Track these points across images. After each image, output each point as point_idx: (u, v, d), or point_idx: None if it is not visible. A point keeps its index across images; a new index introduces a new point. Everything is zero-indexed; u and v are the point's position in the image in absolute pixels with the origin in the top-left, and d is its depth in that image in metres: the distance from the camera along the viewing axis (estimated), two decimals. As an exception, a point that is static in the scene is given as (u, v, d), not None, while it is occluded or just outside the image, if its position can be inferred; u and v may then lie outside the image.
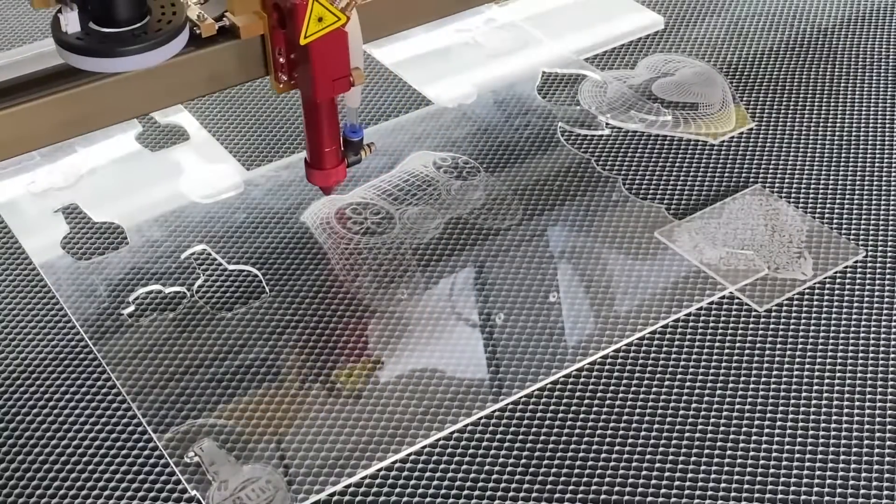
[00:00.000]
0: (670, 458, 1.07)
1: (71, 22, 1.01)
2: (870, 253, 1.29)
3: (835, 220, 1.34)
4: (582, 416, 1.11)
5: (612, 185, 1.41)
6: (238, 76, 1.16)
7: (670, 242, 1.31)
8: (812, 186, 1.40)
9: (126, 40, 1.02)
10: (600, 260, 1.29)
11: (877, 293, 1.24)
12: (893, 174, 1.42)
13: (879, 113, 1.53)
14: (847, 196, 1.38)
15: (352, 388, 1.13)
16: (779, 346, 1.18)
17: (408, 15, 1.27)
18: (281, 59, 1.13)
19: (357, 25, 1.12)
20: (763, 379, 1.15)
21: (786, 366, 1.16)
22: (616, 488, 1.04)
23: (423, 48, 1.66)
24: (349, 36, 1.10)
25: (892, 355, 1.17)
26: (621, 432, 1.10)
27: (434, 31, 1.67)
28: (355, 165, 1.23)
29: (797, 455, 1.07)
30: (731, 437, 1.09)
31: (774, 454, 1.07)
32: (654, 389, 1.14)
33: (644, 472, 1.06)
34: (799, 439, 1.08)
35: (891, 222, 1.34)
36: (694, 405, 1.12)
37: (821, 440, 1.08)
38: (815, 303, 1.23)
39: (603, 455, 1.07)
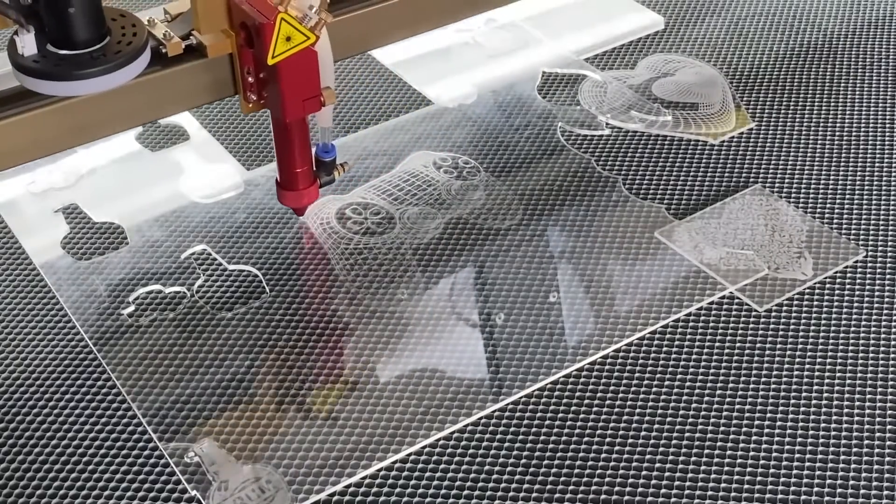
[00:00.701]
0: (670, 458, 1.07)
1: (27, 44, 0.99)
2: (870, 253, 1.29)
3: (835, 220, 1.34)
4: (582, 416, 1.11)
5: (612, 185, 1.41)
6: (206, 96, 1.14)
7: (670, 242, 1.31)
8: (812, 186, 1.40)
9: (84, 63, 0.99)
10: (600, 260, 1.29)
11: (877, 293, 1.24)
12: (893, 174, 1.42)
13: (879, 113, 1.53)
14: (847, 196, 1.38)
15: (328, 409, 1.12)
16: (779, 346, 1.18)
17: (386, 30, 1.25)
18: (250, 79, 1.11)
19: (327, 44, 1.10)
20: (763, 379, 1.15)
21: (786, 366, 1.16)
22: (616, 488, 1.04)
23: (423, 48, 1.66)
24: (319, 54, 1.09)
25: (892, 355, 1.17)
26: (621, 432, 1.10)
27: (434, 31, 1.67)
28: (329, 184, 1.22)
29: (797, 455, 1.07)
30: (731, 437, 1.09)
31: (774, 454, 1.07)
32: (654, 389, 1.14)
33: (644, 472, 1.06)
34: (799, 439, 1.08)
35: (891, 222, 1.34)
36: (694, 405, 1.12)
37: (821, 440, 1.08)
38: (815, 303, 1.23)
39: (603, 455, 1.07)
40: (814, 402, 1.12)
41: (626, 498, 1.03)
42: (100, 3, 1.01)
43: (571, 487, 1.04)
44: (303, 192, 1.20)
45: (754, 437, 1.09)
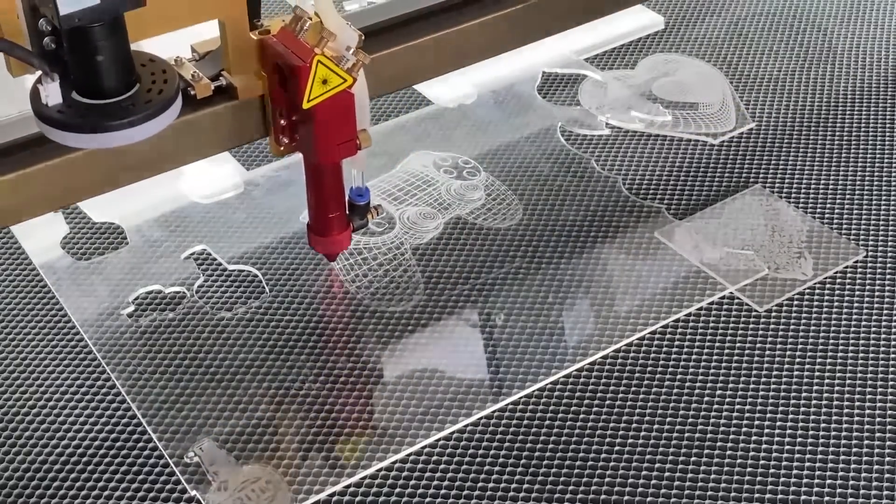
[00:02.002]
0: (670, 458, 1.07)
1: (52, 93, 0.91)
2: (870, 253, 1.29)
3: (835, 220, 1.34)
4: (582, 416, 1.11)
5: (612, 185, 1.40)
6: (235, 139, 1.09)
7: (670, 242, 1.31)
8: (812, 186, 1.40)
9: (112, 113, 0.92)
10: (600, 260, 1.29)
11: (877, 293, 1.24)
12: (893, 174, 1.42)
13: (879, 113, 1.53)
14: (847, 196, 1.38)
15: (357, 457, 1.09)
16: (779, 346, 1.18)
17: (422, 68, 1.19)
18: (282, 121, 1.05)
19: (364, 85, 1.04)
20: (763, 379, 1.15)
21: (786, 366, 1.16)
22: (616, 488, 1.04)
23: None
24: (356, 96, 1.02)
25: (892, 355, 1.17)
26: (621, 432, 1.10)
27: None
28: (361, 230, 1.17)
29: (797, 455, 1.07)
30: (731, 437, 1.09)
31: (774, 454, 1.07)
32: (654, 389, 1.14)
33: (644, 472, 1.06)
34: (799, 439, 1.08)
35: (891, 222, 1.34)
36: (694, 405, 1.12)
37: (821, 440, 1.08)
38: (815, 303, 1.23)
39: (603, 455, 1.07)
40: (814, 402, 1.12)
41: (626, 498, 1.03)
42: (129, 49, 0.93)
43: (571, 487, 1.04)
44: (336, 238, 1.15)
45: (754, 437, 1.09)
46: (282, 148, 1.07)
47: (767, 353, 1.17)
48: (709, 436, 1.09)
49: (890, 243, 1.31)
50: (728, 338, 1.19)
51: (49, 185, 1.00)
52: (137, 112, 0.92)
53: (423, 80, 1.22)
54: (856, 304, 1.23)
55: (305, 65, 0.98)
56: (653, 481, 1.05)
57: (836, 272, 1.27)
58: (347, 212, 1.14)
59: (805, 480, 1.04)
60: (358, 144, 1.05)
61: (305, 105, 1.00)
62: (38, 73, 0.91)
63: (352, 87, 1.01)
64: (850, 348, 1.18)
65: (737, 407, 1.12)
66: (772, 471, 1.05)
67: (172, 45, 1.03)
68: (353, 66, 1.00)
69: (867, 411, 1.11)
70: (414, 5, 1.18)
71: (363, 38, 1.02)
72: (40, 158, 0.99)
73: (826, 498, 1.03)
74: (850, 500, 1.03)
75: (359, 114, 1.04)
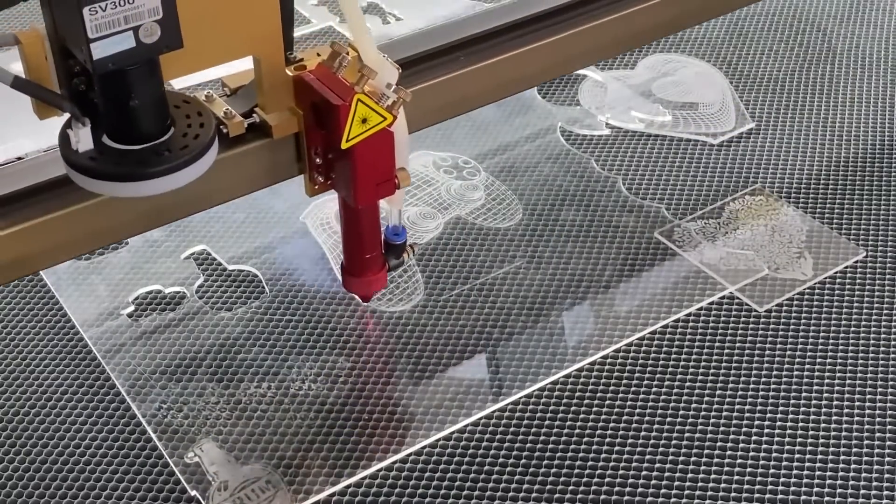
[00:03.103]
0: (670, 458, 1.07)
1: (83, 139, 0.86)
2: (870, 253, 1.29)
3: (835, 220, 1.34)
4: (582, 416, 1.11)
5: (612, 185, 1.40)
6: (268, 178, 1.03)
7: (670, 242, 1.31)
8: (812, 186, 1.40)
9: (147, 160, 0.86)
10: (600, 260, 1.29)
11: (877, 293, 1.24)
12: (893, 174, 1.42)
13: (879, 113, 1.53)
14: (847, 196, 1.38)
15: None
16: (779, 346, 1.18)
17: (459, 101, 1.15)
18: (317, 160, 1.01)
19: (404, 122, 1.00)
20: (763, 379, 1.15)
21: (786, 366, 1.16)
22: (616, 488, 1.04)
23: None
24: (395, 135, 0.99)
25: (892, 355, 1.17)
26: (621, 432, 1.09)
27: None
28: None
29: (797, 455, 1.07)
30: (731, 437, 1.09)
31: (774, 454, 1.07)
32: (654, 389, 1.14)
33: (644, 472, 1.06)
34: (799, 439, 1.08)
35: (891, 222, 1.34)
36: (694, 405, 1.12)
37: (821, 440, 1.08)
38: (815, 303, 1.23)
39: (603, 455, 1.07)
40: (814, 402, 1.12)
41: (626, 498, 1.03)
42: (164, 91, 0.88)
43: (571, 487, 1.04)
44: (372, 279, 1.12)
45: (754, 437, 1.09)
46: (316, 187, 1.04)
47: (767, 353, 1.17)
48: (709, 436, 1.09)
49: (890, 243, 1.31)
50: (728, 338, 1.19)
51: (73, 230, 0.96)
52: (174, 159, 0.87)
53: (462, 112, 1.18)
54: (856, 304, 1.23)
55: (345, 104, 0.94)
56: (653, 481, 1.05)
57: (836, 272, 1.27)
58: (383, 251, 1.11)
59: (805, 480, 1.04)
60: (397, 183, 1.02)
61: (344, 145, 0.96)
62: (66, 115, 0.87)
63: (391, 125, 0.98)
64: (850, 348, 1.18)
65: (737, 407, 1.12)
66: (772, 471, 1.05)
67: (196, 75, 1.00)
68: (393, 103, 0.97)
69: (867, 411, 1.11)
70: (451, 35, 1.15)
71: (400, 72, 0.98)
72: (66, 203, 0.94)
73: (826, 498, 1.03)
74: (850, 500, 1.03)
75: (397, 152, 1.00)
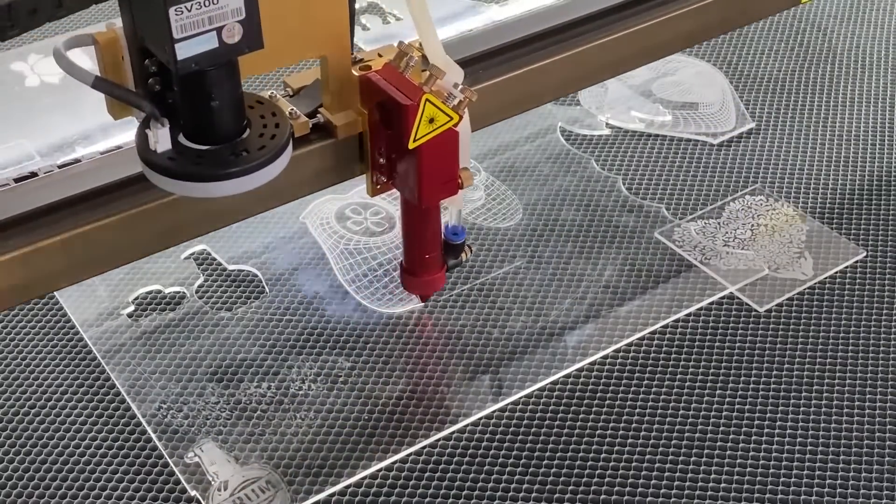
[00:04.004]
0: (670, 458, 1.07)
1: (161, 139, 0.86)
2: (870, 253, 1.29)
3: (835, 220, 1.34)
4: (582, 416, 1.11)
5: (612, 185, 1.40)
6: (331, 178, 1.03)
7: (670, 242, 1.31)
8: (812, 186, 1.40)
9: (226, 161, 0.86)
10: (600, 260, 1.29)
11: (877, 293, 1.24)
12: (893, 174, 1.42)
13: (879, 113, 1.53)
14: (847, 196, 1.38)
15: None
16: (779, 346, 1.18)
17: (520, 100, 1.14)
18: (381, 160, 1.01)
19: (467, 122, 1.00)
20: (763, 379, 1.15)
21: (786, 366, 1.16)
22: (616, 488, 1.04)
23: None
24: (460, 134, 0.99)
25: (892, 355, 1.17)
26: (621, 432, 1.09)
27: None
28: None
29: (797, 455, 1.07)
30: (731, 437, 1.09)
31: (774, 454, 1.07)
32: (654, 389, 1.14)
33: (644, 472, 1.06)
34: (799, 439, 1.08)
35: (891, 222, 1.34)
36: (694, 405, 1.12)
37: (821, 440, 1.08)
38: (815, 303, 1.23)
39: (603, 455, 1.07)
40: (814, 402, 1.12)
41: (626, 498, 1.03)
42: (242, 92, 0.88)
43: (571, 487, 1.04)
44: (432, 279, 1.13)
45: (754, 437, 1.09)
46: (378, 187, 1.04)
47: (767, 353, 1.17)
48: (709, 436, 1.09)
49: (890, 243, 1.31)
50: (728, 338, 1.19)
51: (139, 232, 0.95)
52: (253, 159, 0.87)
53: (522, 110, 1.17)
54: (856, 304, 1.23)
55: (413, 103, 0.94)
56: (653, 481, 1.05)
57: (836, 272, 1.27)
58: (443, 251, 1.12)
59: (805, 480, 1.04)
60: (460, 183, 1.02)
61: (412, 145, 0.96)
62: (141, 114, 0.87)
63: (457, 125, 0.98)
64: (850, 348, 1.18)
65: (737, 407, 1.12)
66: (772, 471, 1.05)
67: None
68: (459, 103, 0.97)
69: (867, 411, 1.11)
70: (515, 33, 1.15)
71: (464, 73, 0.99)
72: (135, 203, 0.94)
73: (826, 498, 1.03)
74: (850, 500, 1.03)
75: (461, 151, 1.01)
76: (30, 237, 0.91)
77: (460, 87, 0.97)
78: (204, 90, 0.85)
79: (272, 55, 0.87)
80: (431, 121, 0.96)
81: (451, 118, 0.97)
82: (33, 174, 0.97)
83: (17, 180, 0.96)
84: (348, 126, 1.00)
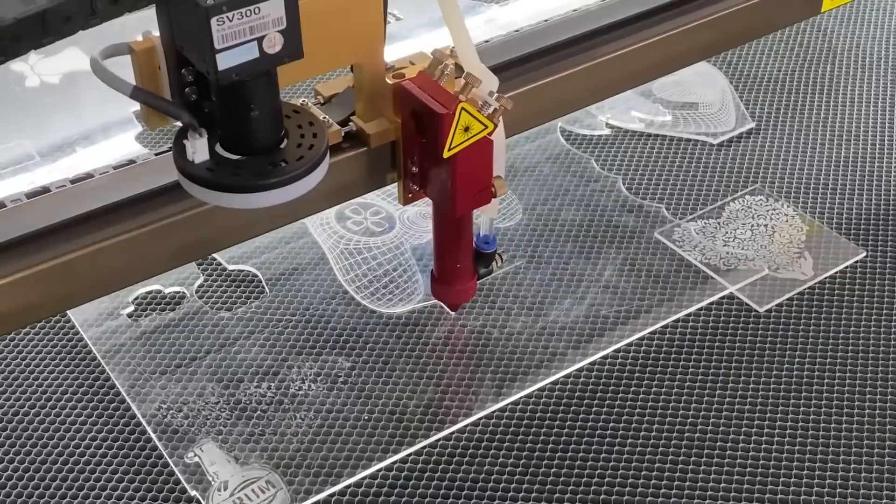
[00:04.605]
0: (670, 458, 1.07)
1: (199, 150, 0.85)
2: (870, 253, 1.29)
3: (835, 220, 1.34)
4: (582, 416, 1.11)
5: (612, 185, 1.40)
6: (363, 187, 1.02)
7: (670, 242, 1.31)
8: (812, 186, 1.40)
9: (264, 172, 0.85)
10: (600, 260, 1.29)
11: (877, 293, 1.24)
12: (893, 174, 1.42)
13: (879, 113, 1.53)
14: (847, 196, 1.38)
15: None
16: (779, 346, 1.18)
17: (551, 107, 1.14)
18: (413, 169, 1.00)
19: (502, 131, 0.99)
20: (763, 379, 1.15)
21: (786, 366, 1.16)
22: (616, 488, 1.04)
23: (423, 48, 1.66)
24: (494, 143, 0.98)
25: (892, 355, 1.17)
26: (621, 432, 1.09)
27: (435, 31, 1.67)
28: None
29: (797, 455, 1.07)
30: (731, 437, 1.09)
31: (774, 454, 1.07)
32: (654, 389, 1.14)
33: (644, 472, 1.06)
34: (799, 439, 1.08)
35: (891, 222, 1.34)
36: (694, 405, 1.12)
37: (821, 440, 1.08)
38: (815, 303, 1.23)
39: (603, 455, 1.07)
40: (814, 402, 1.12)
41: (626, 498, 1.03)
42: (280, 103, 0.88)
43: (571, 487, 1.04)
44: (462, 289, 1.12)
45: (754, 437, 1.09)
46: (410, 195, 1.03)
47: (767, 353, 1.17)
48: (709, 436, 1.09)
49: (890, 243, 1.31)
50: (728, 338, 1.19)
51: (168, 244, 0.95)
52: (291, 170, 0.86)
53: (554, 117, 1.17)
54: (856, 304, 1.23)
55: (449, 112, 0.93)
56: (653, 481, 1.05)
57: (836, 272, 1.27)
58: (474, 260, 1.11)
59: (805, 480, 1.04)
60: (493, 192, 1.01)
61: (446, 154, 0.95)
62: (177, 124, 0.86)
63: (491, 134, 0.97)
64: (850, 348, 1.18)
65: (737, 407, 1.12)
66: (772, 471, 1.05)
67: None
68: (494, 111, 0.96)
69: (867, 411, 1.11)
70: (549, 38, 1.14)
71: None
72: (162, 216, 0.93)
73: (826, 498, 1.03)
74: (849, 500, 1.03)
75: (495, 160, 1.00)
76: (41, 256, 0.90)
77: (495, 95, 0.97)
78: (243, 100, 0.84)
79: (307, 64, 0.86)
80: (466, 129, 0.95)
81: (486, 127, 0.96)
82: (45, 189, 0.96)
83: (28, 196, 0.96)
84: (381, 134, 0.99)
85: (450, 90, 0.96)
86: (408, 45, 1.65)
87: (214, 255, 1.31)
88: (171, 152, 0.96)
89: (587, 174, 1.42)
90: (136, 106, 1.56)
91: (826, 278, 1.26)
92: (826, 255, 1.29)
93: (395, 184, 1.04)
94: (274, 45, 0.80)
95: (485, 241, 1.10)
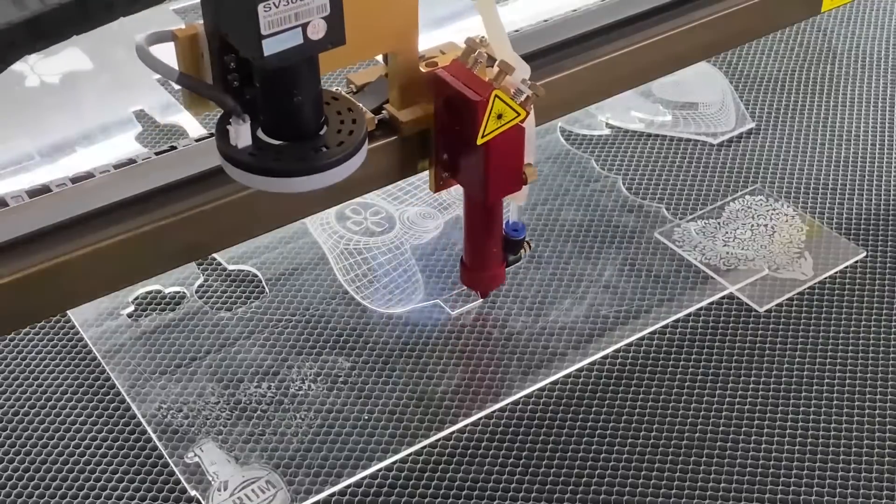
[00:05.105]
0: (670, 458, 1.07)
1: (242, 135, 0.87)
2: (870, 253, 1.29)
3: (835, 220, 1.34)
4: (582, 416, 1.11)
5: (612, 185, 1.40)
6: (395, 175, 1.04)
7: (670, 242, 1.31)
8: (812, 186, 1.40)
9: (306, 156, 0.87)
10: (600, 260, 1.29)
11: (877, 293, 1.24)
12: (893, 174, 1.42)
13: (879, 113, 1.53)
14: (847, 196, 1.38)
15: None
16: (779, 346, 1.18)
17: (587, 92, 1.15)
18: (445, 157, 1.02)
19: (532, 119, 1.00)
20: (763, 379, 1.15)
21: (786, 366, 1.16)
22: (616, 488, 1.04)
23: (423, 48, 1.66)
24: (526, 130, 1.00)
25: (892, 355, 1.17)
26: (621, 432, 1.09)
27: (434, 31, 1.67)
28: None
29: (797, 455, 1.07)
30: (731, 437, 1.09)
31: (774, 454, 1.07)
32: (654, 389, 1.14)
33: (644, 472, 1.06)
34: (799, 439, 1.08)
35: (891, 222, 1.34)
36: (694, 405, 1.12)
37: (821, 440, 1.08)
38: (815, 303, 1.23)
39: (603, 455, 1.07)
40: (814, 402, 1.12)
41: (626, 498, 1.03)
42: (321, 89, 0.89)
43: (571, 487, 1.04)
44: (493, 275, 1.14)
45: (754, 437, 1.09)
46: (441, 183, 1.04)
47: (767, 353, 1.17)
48: (709, 436, 1.09)
49: (890, 243, 1.31)
50: (728, 338, 1.19)
51: (210, 228, 0.96)
52: (333, 154, 0.87)
53: (587, 104, 1.18)
54: (856, 304, 1.23)
55: (483, 99, 0.95)
56: (653, 481, 1.05)
57: (836, 272, 1.27)
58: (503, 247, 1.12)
59: (805, 480, 1.04)
60: (524, 178, 1.02)
61: (480, 141, 0.96)
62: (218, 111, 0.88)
63: (523, 121, 0.98)
64: (850, 348, 1.18)
65: (737, 407, 1.12)
66: (772, 471, 1.05)
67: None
68: (526, 99, 0.97)
69: (867, 411, 1.11)
70: (549, 38, 1.15)
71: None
72: (208, 199, 0.95)
73: (826, 498, 1.03)
74: (849, 500, 1.03)
75: (525, 147, 1.01)
76: (41, 256, 0.90)
77: (528, 83, 0.98)
78: (287, 86, 0.86)
79: (345, 52, 0.87)
80: (500, 117, 0.96)
81: (519, 114, 0.97)
82: (46, 188, 0.96)
83: (30, 194, 0.96)
84: (414, 122, 1.00)
85: (483, 78, 0.97)
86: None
87: (214, 255, 1.31)
88: (171, 152, 0.96)
89: (587, 174, 1.42)
90: (136, 106, 1.58)
91: (826, 278, 1.26)
92: (826, 255, 1.29)
93: (407, 179, 1.06)
94: (318, 31, 0.82)
95: (514, 229, 1.11)
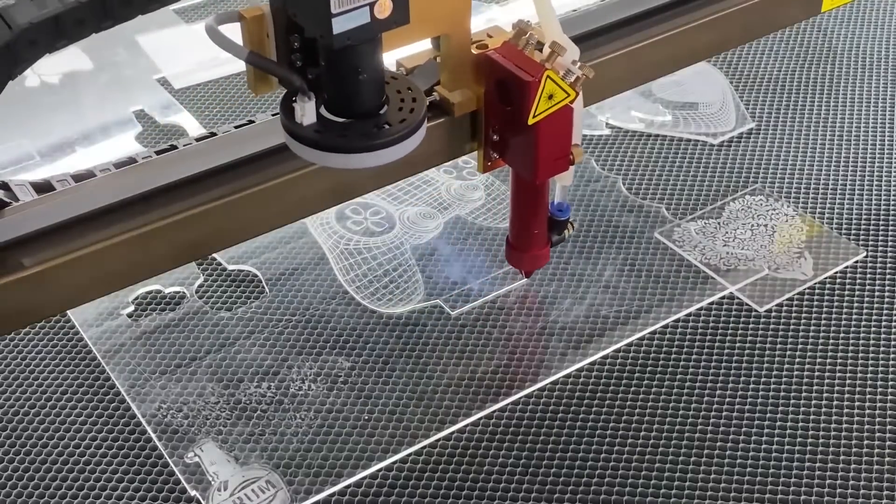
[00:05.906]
0: (670, 458, 1.07)
1: (308, 113, 0.89)
2: (870, 253, 1.29)
3: (835, 220, 1.34)
4: (582, 416, 1.11)
5: (612, 185, 1.40)
6: (445, 156, 1.05)
7: (670, 242, 1.31)
8: (812, 186, 1.40)
9: (369, 133, 0.89)
10: (600, 260, 1.29)
11: (877, 293, 1.24)
12: (893, 174, 1.42)
13: (879, 113, 1.53)
14: (847, 196, 1.38)
15: None
16: (779, 346, 1.18)
17: (629, 76, 1.16)
18: (494, 137, 1.03)
19: (580, 100, 1.02)
20: (763, 379, 1.15)
21: (786, 366, 1.16)
22: (616, 488, 1.04)
23: (423, 47, 1.66)
24: (574, 111, 1.01)
25: (892, 355, 1.17)
26: (621, 432, 1.09)
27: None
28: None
29: (797, 455, 1.07)
30: (731, 437, 1.09)
31: (774, 454, 1.07)
32: (654, 389, 1.14)
33: (644, 472, 1.06)
34: (799, 439, 1.08)
35: (891, 222, 1.34)
36: (694, 405, 1.12)
37: (821, 440, 1.08)
38: (815, 303, 1.23)
39: (603, 455, 1.07)
40: (814, 402, 1.12)
41: (626, 498, 1.03)
42: (383, 68, 0.91)
43: (571, 487, 1.04)
44: (538, 254, 1.14)
45: (754, 437, 1.09)
46: (489, 164, 1.06)
47: (767, 353, 1.17)
48: (709, 436, 1.09)
49: (890, 243, 1.31)
50: (728, 338, 1.19)
51: (262, 209, 0.98)
52: (396, 131, 0.90)
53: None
54: (856, 304, 1.23)
55: (535, 80, 0.96)
56: (653, 481, 1.05)
57: (836, 272, 1.27)
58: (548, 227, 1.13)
59: (805, 480, 1.04)
60: (571, 159, 1.03)
61: (531, 121, 0.98)
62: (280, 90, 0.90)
63: (573, 102, 1.00)
64: (850, 348, 1.18)
65: (737, 407, 1.12)
66: (772, 471, 1.05)
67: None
68: (576, 79, 0.99)
69: (867, 411, 1.11)
70: (625, 10, 1.16)
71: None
72: (260, 180, 0.97)
73: (826, 498, 1.03)
74: (849, 500, 1.03)
75: (574, 128, 1.02)
76: (42, 255, 0.90)
77: (578, 63, 0.99)
78: (352, 64, 0.88)
79: (402, 33, 0.89)
80: (550, 97, 0.98)
81: (569, 95, 0.98)
82: (49, 186, 0.96)
83: (35, 187, 0.96)
84: (464, 104, 1.01)
85: (536, 59, 0.98)
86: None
87: (214, 255, 1.31)
88: (171, 151, 0.96)
89: (587, 174, 1.42)
90: (136, 106, 1.58)
91: (826, 278, 1.26)
92: (826, 255, 1.29)
93: (403, 180, 1.05)
94: (384, 10, 0.84)
95: (559, 209, 1.12)
